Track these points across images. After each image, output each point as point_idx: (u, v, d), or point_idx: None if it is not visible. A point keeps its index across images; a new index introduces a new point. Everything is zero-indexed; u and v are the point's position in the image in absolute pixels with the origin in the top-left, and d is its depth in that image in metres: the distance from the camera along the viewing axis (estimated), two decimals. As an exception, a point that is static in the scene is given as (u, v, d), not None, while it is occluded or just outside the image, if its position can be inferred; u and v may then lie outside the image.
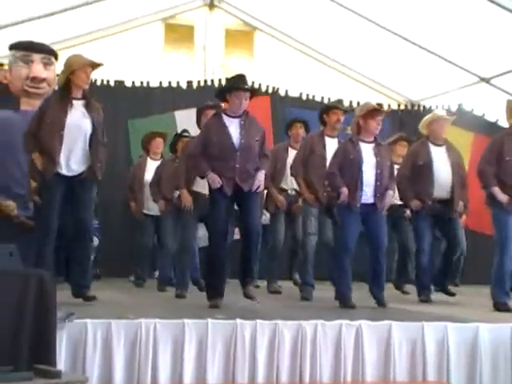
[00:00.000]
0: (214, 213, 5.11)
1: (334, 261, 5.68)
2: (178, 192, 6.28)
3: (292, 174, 6.48)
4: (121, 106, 9.05)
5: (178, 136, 7.07)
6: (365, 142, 5.57)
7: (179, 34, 10.10)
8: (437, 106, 9.47)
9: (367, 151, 5.53)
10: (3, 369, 3.12)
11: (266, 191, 6.82)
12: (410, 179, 6.21)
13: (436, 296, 6.23)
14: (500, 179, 5.59)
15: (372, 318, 4.32)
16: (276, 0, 9.29)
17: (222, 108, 5.46)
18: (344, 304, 5.36)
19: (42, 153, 4.95)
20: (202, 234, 6.71)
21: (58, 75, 5.98)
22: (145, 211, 7.64)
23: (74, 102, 5.02)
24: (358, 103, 8.08)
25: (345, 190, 5.43)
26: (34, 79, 6.88)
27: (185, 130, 7.17)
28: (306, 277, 6.18)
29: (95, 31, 9.29)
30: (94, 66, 5.16)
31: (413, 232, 6.50)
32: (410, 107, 10.37)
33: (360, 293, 5.67)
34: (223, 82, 8.71)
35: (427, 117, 6.48)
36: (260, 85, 9.16)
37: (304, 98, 9.71)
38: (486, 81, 9.30)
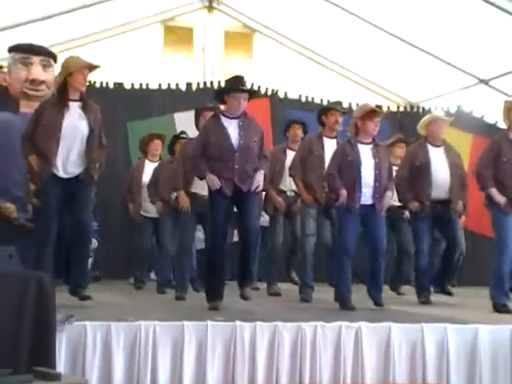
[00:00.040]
0: (214, 214, 5.11)
1: (334, 262, 5.68)
2: (175, 194, 6.29)
3: (290, 175, 6.48)
4: (120, 108, 9.06)
5: (176, 138, 7.08)
6: (363, 143, 5.57)
7: (178, 36, 10.11)
8: (436, 108, 9.47)
9: (365, 152, 5.53)
10: (3, 371, 3.12)
11: (264, 193, 6.82)
12: (409, 180, 6.22)
13: (435, 298, 6.23)
14: (498, 180, 5.60)
15: (371, 320, 4.32)
16: (275, 2, 9.31)
17: (220, 109, 5.47)
18: (344, 306, 5.36)
19: (38, 155, 4.96)
20: (199, 236, 6.72)
21: (55, 77, 5.98)
22: (143, 213, 7.63)
23: (71, 103, 5.03)
24: (357, 105, 8.08)
25: (344, 192, 5.43)
26: (33, 81, 6.88)
27: (182, 132, 7.18)
28: (306, 278, 6.18)
29: (94, 33, 9.30)
30: (91, 67, 5.17)
31: (412, 233, 6.50)
32: (409, 109, 10.37)
33: (359, 294, 5.66)
34: (222, 84, 8.69)
35: (425, 118, 6.49)
36: (259, 87, 9.16)
37: (303, 99, 9.71)
38: (485, 82, 9.31)
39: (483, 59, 8.73)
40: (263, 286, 7.02)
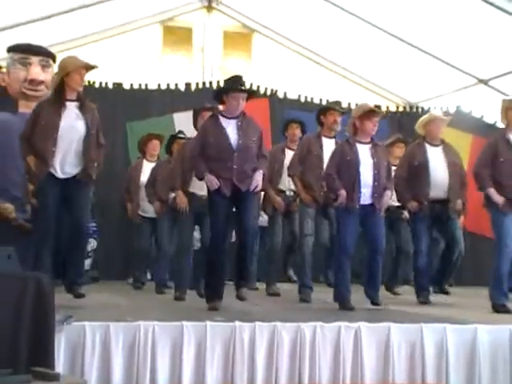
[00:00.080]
0: (213, 214, 5.11)
1: (333, 263, 5.68)
2: (173, 194, 6.28)
3: (289, 175, 6.48)
4: (119, 108, 9.05)
5: (173, 137, 7.07)
6: (361, 142, 5.57)
7: (177, 36, 10.11)
8: (435, 108, 9.47)
9: (364, 152, 5.53)
10: (2, 372, 3.11)
11: (263, 193, 6.82)
12: (407, 180, 6.22)
13: (434, 298, 6.23)
14: (496, 180, 5.60)
15: (371, 320, 4.32)
16: (274, 2, 9.30)
17: (218, 109, 5.47)
18: (343, 306, 5.36)
19: (36, 156, 4.96)
20: (195, 235, 6.70)
21: (52, 77, 5.98)
22: (141, 213, 7.62)
23: (68, 103, 5.03)
24: (357, 105, 8.09)
25: (343, 192, 5.42)
26: (32, 82, 6.87)
27: (180, 132, 7.17)
28: (304, 279, 6.16)
29: (93, 34, 9.29)
30: (89, 68, 5.17)
31: (411, 234, 6.50)
32: (408, 109, 10.38)
33: (359, 294, 5.66)
34: (221, 84, 8.70)
35: (423, 117, 6.49)
36: (258, 87, 9.16)
37: (302, 100, 9.71)
38: (485, 82, 9.31)
39: (482, 59, 8.73)
40: (262, 286, 7.01)
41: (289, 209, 6.78)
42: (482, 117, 9.80)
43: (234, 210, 5.27)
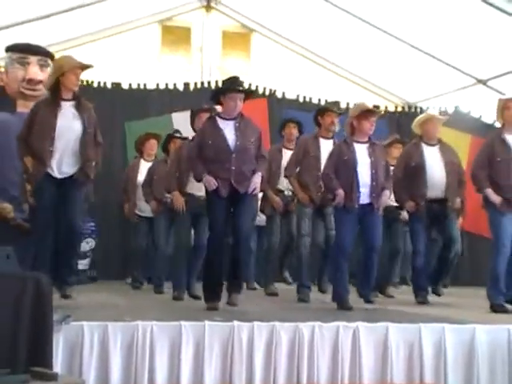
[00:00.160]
0: (211, 215, 5.11)
1: (331, 263, 5.68)
2: (169, 195, 6.26)
3: (286, 176, 6.48)
4: (118, 108, 9.06)
5: (170, 136, 7.06)
6: (359, 142, 5.57)
7: (176, 35, 10.10)
8: (434, 108, 9.47)
9: (361, 152, 5.53)
10: (0, 371, 3.11)
11: (262, 193, 6.81)
12: (404, 180, 6.21)
13: (433, 298, 6.23)
14: (493, 180, 5.61)
15: (369, 320, 4.32)
16: (273, 2, 9.30)
17: (216, 110, 5.46)
18: (341, 306, 5.36)
19: (33, 156, 4.96)
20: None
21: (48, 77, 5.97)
22: (138, 212, 7.61)
23: (64, 103, 5.03)
24: (355, 105, 8.10)
25: (341, 192, 5.42)
26: (31, 81, 6.87)
27: (176, 131, 7.15)
28: (302, 279, 6.17)
29: (92, 33, 9.29)
30: (84, 67, 5.16)
31: (408, 234, 6.50)
32: (407, 109, 10.38)
33: (357, 294, 5.66)
34: (220, 84, 8.71)
35: (420, 116, 6.49)
36: (257, 87, 9.17)
37: (301, 100, 9.72)
38: (483, 83, 9.32)
39: (481, 59, 8.74)
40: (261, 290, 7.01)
41: (287, 209, 6.79)
42: (481, 117, 9.80)
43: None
